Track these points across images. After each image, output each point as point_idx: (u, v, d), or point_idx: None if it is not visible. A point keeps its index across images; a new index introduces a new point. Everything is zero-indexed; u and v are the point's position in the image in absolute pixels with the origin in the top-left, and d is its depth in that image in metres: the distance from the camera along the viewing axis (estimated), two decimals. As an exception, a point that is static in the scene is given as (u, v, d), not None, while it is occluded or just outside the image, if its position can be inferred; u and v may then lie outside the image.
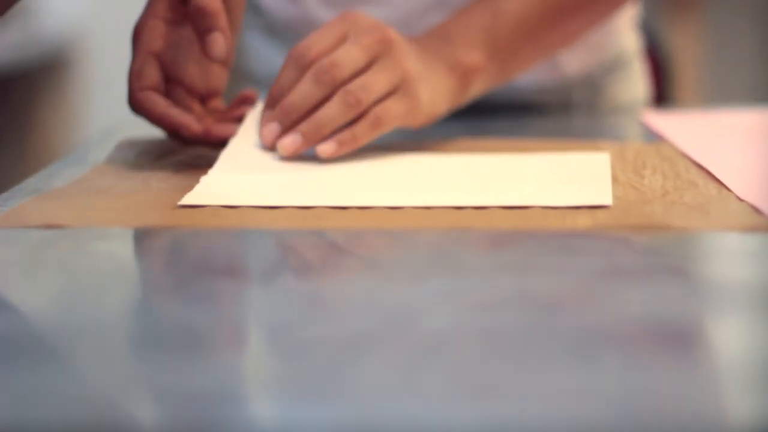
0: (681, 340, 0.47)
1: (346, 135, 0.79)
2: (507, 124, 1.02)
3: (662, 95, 1.48)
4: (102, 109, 2.88)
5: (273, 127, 0.80)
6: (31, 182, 0.79)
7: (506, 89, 1.04)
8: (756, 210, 0.67)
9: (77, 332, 0.48)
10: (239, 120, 0.84)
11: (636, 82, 1.14)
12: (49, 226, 0.66)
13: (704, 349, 0.48)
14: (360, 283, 0.56)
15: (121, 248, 0.64)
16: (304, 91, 0.79)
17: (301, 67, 0.80)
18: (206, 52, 0.79)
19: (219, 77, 0.86)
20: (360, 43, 0.80)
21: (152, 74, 0.82)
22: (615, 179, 0.75)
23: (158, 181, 0.78)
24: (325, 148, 0.79)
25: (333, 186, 0.75)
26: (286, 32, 1.06)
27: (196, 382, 0.43)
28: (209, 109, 0.85)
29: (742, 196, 0.70)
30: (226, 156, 0.80)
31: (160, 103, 0.81)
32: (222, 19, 0.79)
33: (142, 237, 0.66)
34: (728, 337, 0.49)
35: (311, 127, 0.79)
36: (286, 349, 0.47)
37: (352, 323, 0.49)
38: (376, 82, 0.80)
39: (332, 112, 0.78)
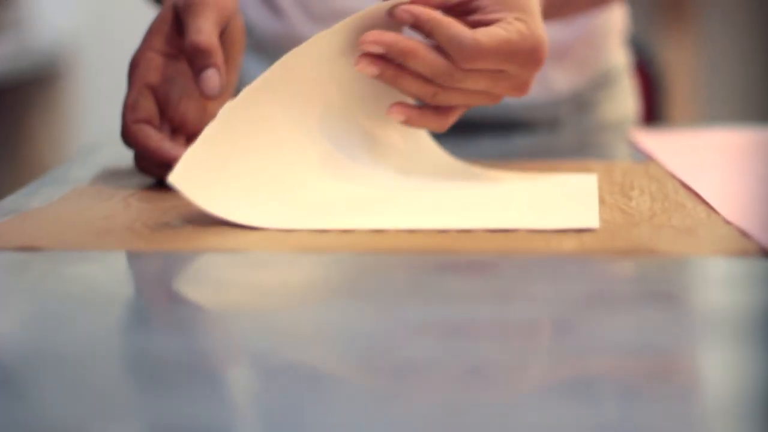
0: (668, 370, 0.46)
1: None
2: (494, 143, 1.01)
3: (654, 111, 1.47)
4: (94, 121, 2.87)
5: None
6: (9, 201, 0.78)
7: (494, 107, 1.03)
8: (744, 234, 0.65)
9: (49, 360, 0.47)
10: None
11: (625, 100, 1.13)
12: (24, 249, 0.64)
13: (692, 379, 0.47)
14: (337, 310, 0.55)
15: (97, 272, 0.62)
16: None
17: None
18: (200, 88, 0.79)
19: (214, 114, 0.85)
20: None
21: (146, 107, 0.81)
22: (602, 201, 0.74)
23: (139, 201, 0.76)
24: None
25: (315, 207, 0.73)
26: (274, 49, 1.05)
27: (168, 412, 0.41)
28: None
29: (730, 219, 0.68)
30: (206, 136, 0.76)
31: (153, 136, 0.80)
32: (218, 57, 0.79)
33: (119, 260, 0.64)
34: (716, 366, 0.48)
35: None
36: (261, 379, 0.46)
37: (326, 351, 0.48)
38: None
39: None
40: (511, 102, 1.05)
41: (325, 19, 1.02)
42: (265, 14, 1.04)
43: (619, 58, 1.12)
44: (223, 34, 0.82)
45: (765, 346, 0.49)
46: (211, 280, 0.62)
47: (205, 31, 0.78)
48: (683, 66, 2.71)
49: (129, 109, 0.80)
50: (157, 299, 0.59)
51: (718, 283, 0.60)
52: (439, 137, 0.99)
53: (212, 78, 0.78)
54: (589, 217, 0.69)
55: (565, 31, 1.04)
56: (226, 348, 0.51)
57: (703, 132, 1.08)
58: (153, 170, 0.81)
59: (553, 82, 1.06)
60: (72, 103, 2.90)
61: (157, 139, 0.80)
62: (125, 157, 0.88)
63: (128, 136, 0.80)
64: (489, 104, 0.79)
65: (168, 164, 0.79)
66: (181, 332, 0.52)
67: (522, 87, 0.77)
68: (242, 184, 0.73)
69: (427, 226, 0.68)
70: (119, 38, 2.94)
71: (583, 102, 1.09)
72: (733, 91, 2.85)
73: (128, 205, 0.75)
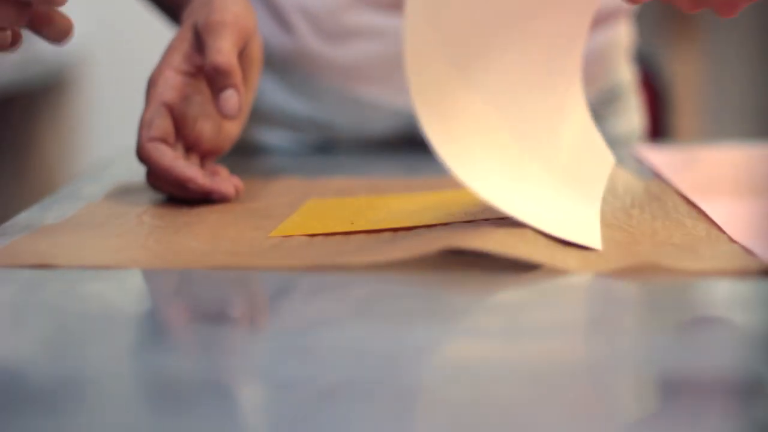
0: (678, 392, 0.47)
1: None
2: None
3: (661, 125, 1.48)
4: (103, 130, 2.88)
5: None
6: (23, 217, 0.79)
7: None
8: (748, 251, 0.66)
9: (65, 381, 0.48)
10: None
11: (631, 115, 1.14)
12: (40, 266, 0.66)
13: (704, 401, 0.47)
14: (351, 329, 0.56)
15: (112, 291, 0.63)
16: None
17: None
18: (219, 109, 0.80)
19: (230, 134, 0.86)
20: None
21: (162, 125, 0.82)
22: (603, 219, 0.75)
23: (152, 219, 0.78)
24: None
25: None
26: (282, 65, 1.06)
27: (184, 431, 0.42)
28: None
29: (733, 237, 0.69)
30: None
31: (167, 154, 0.81)
32: (237, 77, 0.80)
33: (135, 279, 0.66)
34: (721, 386, 0.49)
35: None
36: (277, 398, 0.47)
37: (333, 371, 0.49)
38: None
39: None
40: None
41: (333, 35, 1.03)
42: (275, 29, 1.06)
43: (625, 74, 1.13)
44: (242, 54, 0.84)
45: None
46: (227, 298, 0.63)
47: (225, 51, 0.80)
48: (690, 80, 2.72)
49: (145, 126, 0.82)
50: (171, 318, 0.60)
51: (721, 303, 0.61)
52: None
53: (232, 99, 0.80)
54: (593, 238, 0.70)
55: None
56: (244, 367, 0.52)
57: (707, 148, 1.09)
58: (165, 188, 0.82)
59: None
60: (80, 112, 2.91)
61: (171, 158, 0.81)
62: (137, 172, 0.89)
63: (143, 154, 0.82)
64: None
65: (180, 183, 0.80)
66: (197, 351, 0.53)
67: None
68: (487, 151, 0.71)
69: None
70: (128, 48, 2.95)
71: (590, 117, 1.09)
72: (740, 106, 2.85)
73: (141, 223, 0.76)
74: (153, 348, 0.54)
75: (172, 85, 0.82)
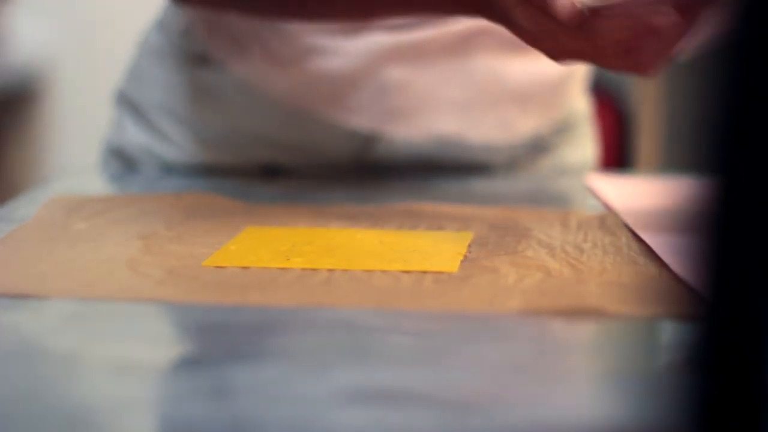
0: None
1: None
2: (452, 185, 1.00)
3: (625, 150, 1.46)
4: (69, 141, 2.85)
5: None
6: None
7: (454, 148, 1.02)
8: (695, 292, 0.64)
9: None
10: None
11: (585, 145, 1.12)
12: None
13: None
14: (256, 370, 0.53)
15: (29, 322, 0.61)
16: None
17: None
18: None
19: None
20: None
21: None
22: (553, 253, 0.73)
23: (86, 243, 0.75)
24: None
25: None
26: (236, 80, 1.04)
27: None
28: None
29: (682, 277, 0.67)
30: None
31: None
32: None
33: (54, 308, 0.63)
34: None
35: None
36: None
37: (244, 414, 0.47)
38: None
39: None
40: (473, 144, 1.03)
41: (286, 60, 1.00)
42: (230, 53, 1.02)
43: (580, 103, 1.11)
44: None
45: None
46: (145, 332, 0.60)
47: None
48: (655, 104, 2.71)
49: None
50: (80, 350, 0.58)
51: (665, 348, 0.59)
52: (398, 178, 0.98)
53: None
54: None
55: (527, 75, 1.03)
56: (141, 408, 0.49)
57: (662, 179, 1.07)
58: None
59: (513, 125, 1.05)
60: (47, 123, 2.88)
61: None
62: (77, 196, 0.87)
63: None
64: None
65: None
66: (94, 387, 0.50)
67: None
68: None
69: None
70: (96, 57, 2.92)
71: (542, 145, 1.08)
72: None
73: (73, 247, 0.74)
74: (58, 383, 0.52)
75: None
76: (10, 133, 2.87)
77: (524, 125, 1.05)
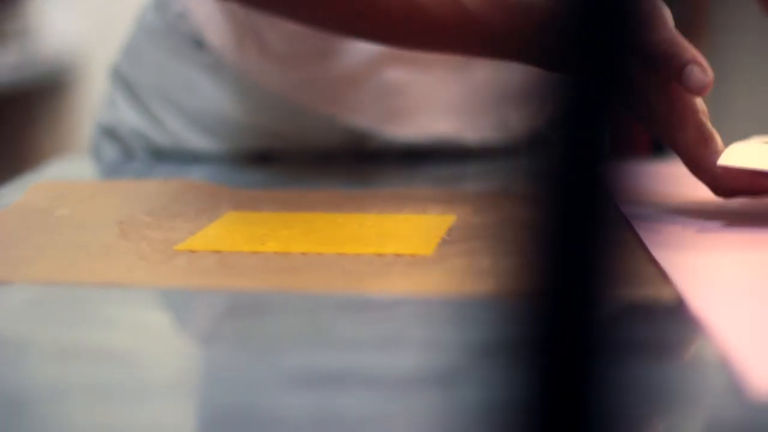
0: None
1: None
2: (443, 170, 0.99)
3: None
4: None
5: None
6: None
7: (448, 138, 1.01)
8: (666, 277, 0.63)
9: None
10: None
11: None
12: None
13: None
14: (209, 355, 0.53)
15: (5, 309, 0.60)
16: None
17: None
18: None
19: None
20: None
21: None
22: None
23: (65, 228, 0.74)
24: None
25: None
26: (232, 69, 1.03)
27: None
28: None
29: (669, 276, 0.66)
30: None
31: None
32: None
33: (14, 293, 0.62)
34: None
35: None
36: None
37: (184, 402, 0.46)
38: None
39: None
40: (469, 144, 1.02)
41: (289, 60, 0.99)
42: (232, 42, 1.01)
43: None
44: None
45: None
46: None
47: None
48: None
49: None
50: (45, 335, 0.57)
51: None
52: (386, 162, 0.97)
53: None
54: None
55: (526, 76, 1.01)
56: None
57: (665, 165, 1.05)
58: None
59: (512, 126, 1.03)
60: (78, 112, 2.89)
61: None
62: (67, 175, 0.86)
63: None
64: None
65: None
66: (37, 367, 0.50)
67: None
68: None
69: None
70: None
71: (540, 139, 1.06)
72: (746, 109, 2.81)
73: (55, 236, 0.73)
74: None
75: None
76: (42, 123, 2.88)
77: (521, 123, 1.04)
